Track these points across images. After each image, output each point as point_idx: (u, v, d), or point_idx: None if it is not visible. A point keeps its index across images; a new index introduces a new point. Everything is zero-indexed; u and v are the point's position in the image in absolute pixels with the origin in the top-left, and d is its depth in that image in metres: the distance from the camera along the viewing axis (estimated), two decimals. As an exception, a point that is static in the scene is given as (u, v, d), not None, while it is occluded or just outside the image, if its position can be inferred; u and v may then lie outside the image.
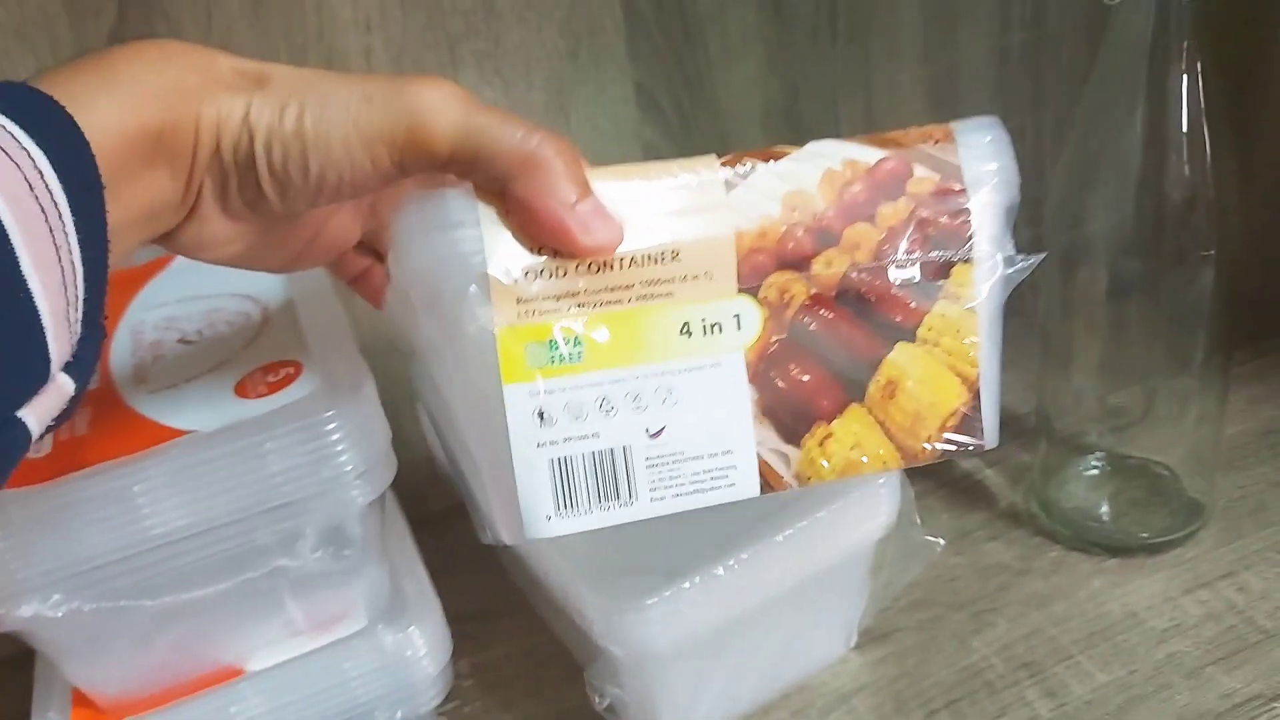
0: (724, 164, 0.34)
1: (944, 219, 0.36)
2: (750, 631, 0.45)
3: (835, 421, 0.36)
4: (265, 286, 0.47)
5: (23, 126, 0.26)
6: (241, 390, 0.41)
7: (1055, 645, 0.50)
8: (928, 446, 0.37)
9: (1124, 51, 0.49)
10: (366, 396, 0.40)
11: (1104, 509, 0.57)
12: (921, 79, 0.66)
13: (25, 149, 0.26)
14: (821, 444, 0.36)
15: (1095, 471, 0.58)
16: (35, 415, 0.26)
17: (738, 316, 0.35)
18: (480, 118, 0.31)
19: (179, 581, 0.39)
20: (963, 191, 0.35)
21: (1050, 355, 0.56)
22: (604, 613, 0.41)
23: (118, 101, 0.28)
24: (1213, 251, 0.52)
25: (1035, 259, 0.37)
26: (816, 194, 0.35)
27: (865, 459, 0.37)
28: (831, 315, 0.36)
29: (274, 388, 0.40)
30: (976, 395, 0.37)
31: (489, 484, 0.35)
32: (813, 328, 0.36)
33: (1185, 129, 0.50)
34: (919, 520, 0.46)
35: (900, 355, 0.36)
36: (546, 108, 0.58)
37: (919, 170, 0.35)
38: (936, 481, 0.60)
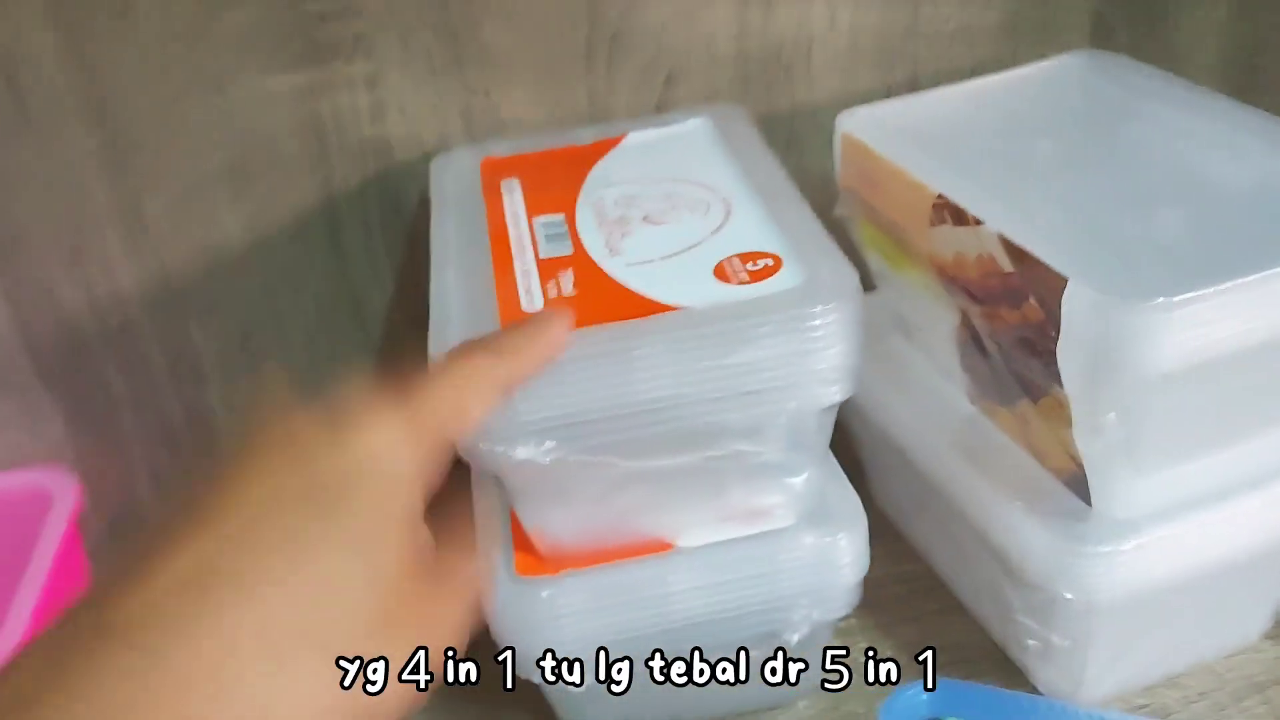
0: (934, 203, 0.42)
1: (1040, 348, 0.37)
2: (1194, 594, 0.43)
3: (1001, 408, 0.43)
4: (721, 178, 0.47)
5: None
6: (721, 274, 0.41)
7: None
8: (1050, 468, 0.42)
9: None
10: (852, 299, 0.40)
11: None
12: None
13: None
14: (992, 413, 0.45)
15: None
16: None
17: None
18: None
19: (651, 447, 0.40)
20: (1053, 339, 0.36)
21: None
22: (1056, 554, 0.40)
23: None
24: None
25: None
26: (972, 264, 0.40)
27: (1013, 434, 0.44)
28: (995, 345, 0.41)
29: (756, 276, 0.41)
30: (1081, 471, 0.39)
31: None
32: (983, 343, 0.42)
33: None
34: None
35: (1030, 408, 0.40)
36: (999, 31, 0.56)
37: (1033, 298, 0.37)
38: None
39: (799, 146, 0.58)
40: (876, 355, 0.51)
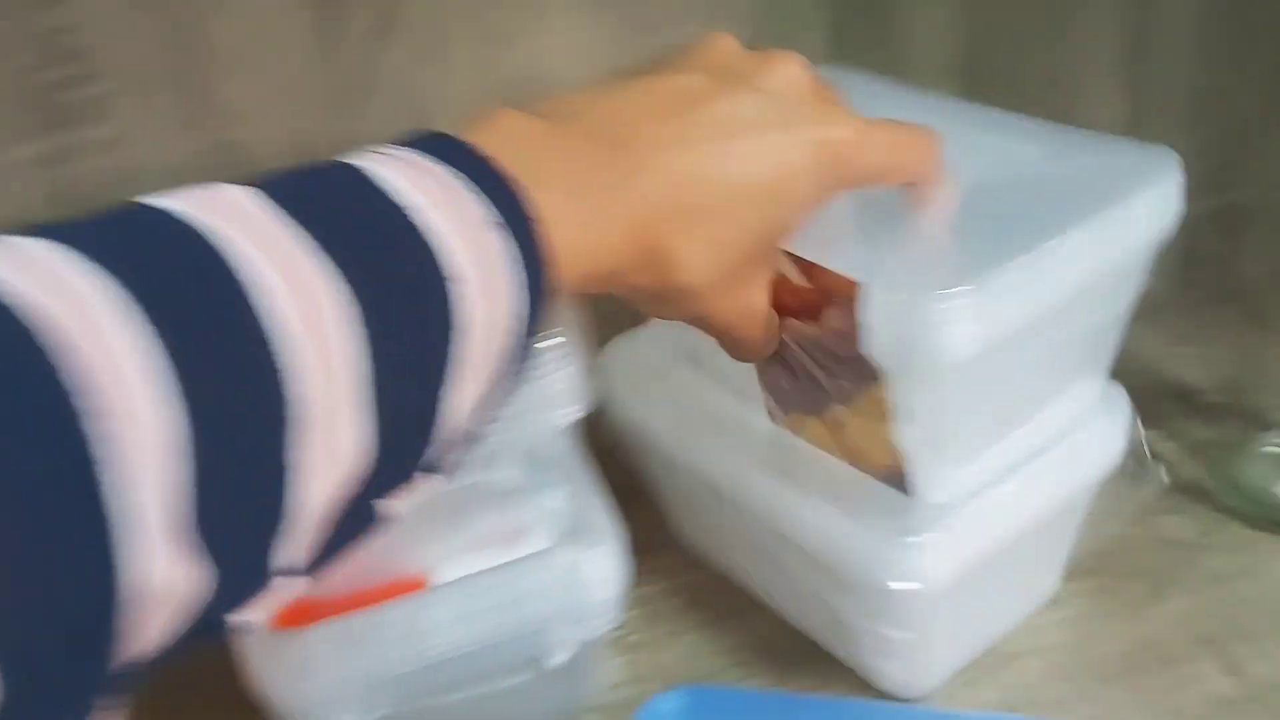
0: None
1: (846, 355, 0.38)
2: (1006, 565, 0.45)
3: (809, 419, 0.43)
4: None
5: (524, 263, 0.28)
6: (446, 308, 0.41)
7: (1237, 624, 0.49)
8: (872, 472, 0.42)
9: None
10: (570, 320, 0.41)
11: (1285, 490, 0.55)
12: (1117, 29, 0.63)
13: (516, 292, 0.28)
14: (800, 426, 0.44)
15: (1276, 450, 0.56)
16: (391, 506, 0.29)
17: None
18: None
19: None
20: (854, 345, 0.37)
21: (1249, 326, 0.54)
22: (880, 548, 0.42)
23: (597, 245, 0.31)
24: None
25: None
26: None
27: (824, 445, 0.44)
28: (800, 357, 0.41)
29: (478, 308, 0.41)
30: (901, 467, 0.40)
31: None
32: (788, 356, 0.41)
33: None
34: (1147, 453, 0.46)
35: (838, 412, 0.41)
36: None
37: (831, 310, 0.38)
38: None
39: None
40: (667, 390, 0.51)
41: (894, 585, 0.42)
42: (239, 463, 0.22)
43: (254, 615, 0.25)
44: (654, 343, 0.52)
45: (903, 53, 0.61)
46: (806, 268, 0.37)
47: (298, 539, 0.24)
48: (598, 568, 0.44)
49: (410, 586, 0.43)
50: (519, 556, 0.44)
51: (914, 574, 0.42)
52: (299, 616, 0.42)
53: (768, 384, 0.44)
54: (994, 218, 0.39)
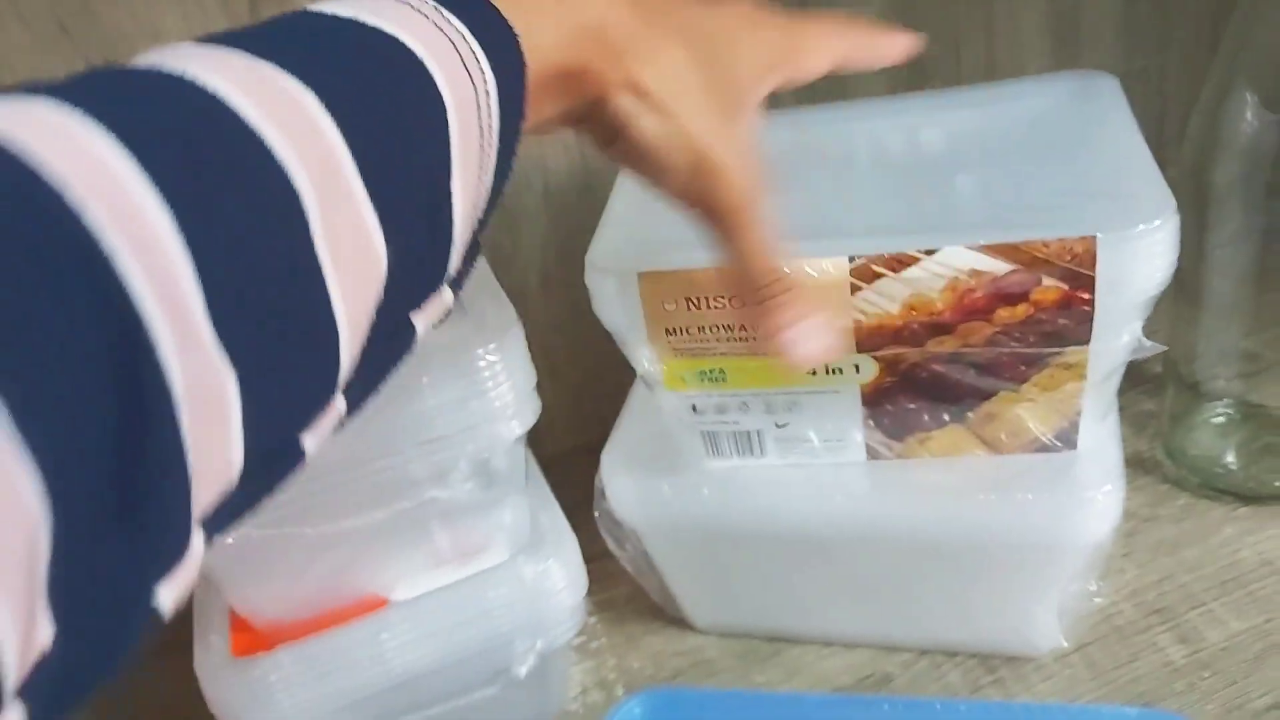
0: (852, 270, 0.38)
1: (1064, 321, 0.38)
2: None
3: (934, 431, 0.43)
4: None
5: (482, 46, 0.27)
6: (391, 327, 0.41)
7: (1188, 592, 0.50)
8: (1018, 450, 0.43)
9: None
10: (515, 335, 0.41)
11: (1232, 457, 0.56)
12: (1045, 17, 0.64)
13: (483, 71, 0.27)
14: (921, 443, 0.44)
15: (1224, 418, 0.57)
16: (424, 321, 0.28)
17: (857, 366, 0.42)
18: (749, 229, 0.33)
19: (339, 509, 0.40)
20: (1090, 301, 0.37)
21: (1182, 300, 0.55)
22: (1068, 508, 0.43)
23: (559, 33, 0.30)
24: (1359, 192, 0.50)
25: (1153, 349, 0.39)
26: (937, 298, 0.38)
27: (958, 451, 0.43)
28: (941, 370, 0.41)
29: (423, 324, 0.41)
30: (1075, 425, 0.41)
31: None
32: (923, 376, 0.41)
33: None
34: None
35: (1004, 400, 0.41)
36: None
37: (1047, 280, 0.37)
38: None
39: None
40: (698, 473, 0.47)
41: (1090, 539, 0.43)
42: (262, 264, 0.21)
43: (311, 442, 0.24)
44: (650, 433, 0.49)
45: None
46: (1007, 250, 0.37)
47: (338, 348, 0.24)
48: (556, 577, 0.44)
49: (370, 607, 0.43)
50: (478, 571, 0.44)
51: (1102, 525, 0.43)
52: (258, 642, 0.42)
53: (876, 419, 0.43)
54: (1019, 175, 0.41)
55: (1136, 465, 0.57)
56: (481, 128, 0.27)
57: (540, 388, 0.44)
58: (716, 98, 0.33)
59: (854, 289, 0.38)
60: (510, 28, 0.28)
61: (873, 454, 0.44)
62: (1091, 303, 0.37)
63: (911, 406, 0.42)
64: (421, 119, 0.25)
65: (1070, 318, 0.38)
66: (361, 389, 0.26)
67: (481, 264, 0.45)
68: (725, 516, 0.47)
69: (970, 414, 0.42)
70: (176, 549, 0.20)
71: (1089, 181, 0.40)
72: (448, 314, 0.29)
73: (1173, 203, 0.38)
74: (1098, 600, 0.47)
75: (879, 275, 0.38)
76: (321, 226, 0.22)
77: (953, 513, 0.44)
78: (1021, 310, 0.38)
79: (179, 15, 0.50)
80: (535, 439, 0.52)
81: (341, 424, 0.26)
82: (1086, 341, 0.38)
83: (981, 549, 0.44)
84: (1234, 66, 0.50)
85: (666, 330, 0.41)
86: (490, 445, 0.41)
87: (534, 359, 0.52)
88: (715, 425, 0.45)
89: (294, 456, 0.24)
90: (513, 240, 0.60)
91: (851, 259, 0.38)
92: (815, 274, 0.38)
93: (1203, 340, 0.56)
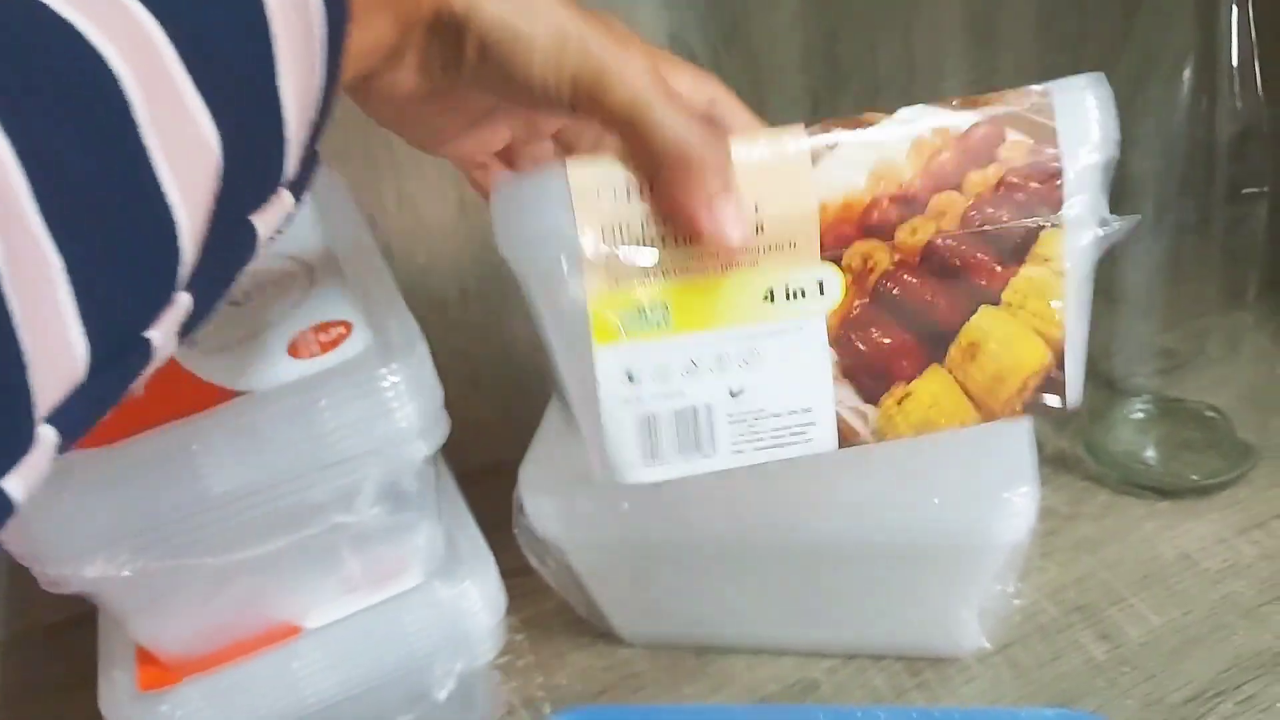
0: (810, 133, 0.34)
1: (1035, 184, 0.35)
2: None
3: (915, 382, 0.37)
4: (308, 246, 0.47)
5: None
6: (294, 350, 0.40)
7: (1108, 589, 0.50)
8: (1008, 405, 0.37)
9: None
10: (420, 353, 0.40)
11: (1152, 452, 0.57)
12: (962, 16, 0.65)
13: None
14: (900, 403, 0.37)
15: (1143, 414, 0.58)
16: (265, 224, 0.27)
17: (820, 282, 0.36)
18: (656, 100, 0.32)
19: (240, 539, 0.39)
20: (1056, 155, 0.35)
21: (1097, 296, 0.55)
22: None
23: None
24: (1265, 188, 0.51)
25: (1129, 221, 0.36)
26: (905, 164, 0.35)
27: (943, 417, 0.37)
28: (915, 281, 0.36)
29: (326, 346, 0.40)
30: (1061, 357, 0.37)
31: (585, 432, 0.37)
32: (895, 292, 0.36)
33: (1236, 62, 0.49)
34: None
35: (983, 318, 0.36)
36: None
37: (1012, 135, 0.35)
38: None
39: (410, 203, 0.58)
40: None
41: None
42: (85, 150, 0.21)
43: (157, 336, 0.24)
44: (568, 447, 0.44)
45: (750, 55, 0.61)
46: (967, 103, 0.35)
47: (175, 237, 0.23)
48: (474, 597, 0.44)
49: (281, 635, 0.42)
50: (392, 595, 0.43)
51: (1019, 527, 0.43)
52: (165, 676, 0.41)
53: (848, 370, 0.37)
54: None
55: (1058, 463, 0.57)
56: (306, 23, 0.26)
57: (463, 400, 0.44)
58: None
59: (814, 158, 0.34)
60: None
61: (846, 436, 0.37)
62: (1057, 156, 0.35)
63: (886, 341, 0.37)
64: (240, 9, 0.25)
65: (1039, 177, 0.35)
66: (206, 289, 0.26)
67: (385, 282, 0.44)
68: (645, 530, 0.46)
69: (951, 346, 0.37)
70: (20, 438, 0.21)
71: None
72: (288, 222, 0.29)
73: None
74: (1017, 601, 0.47)
75: (839, 144, 0.34)
76: (147, 112, 0.22)
77: (870, 518, 0.44)
78: (994, 172, 0.35)
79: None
80: (456, 453, 0.51)
81: (189, 325, 0.26)
82: (1058, 207, 0.35)
83: (899, 553, 0.44)
84: (1145, 62, 0.51)
85: (602, 230, 0.34)
86: (397, 467, 0.40)
87: (455, 371, 0.52)
88: (656, 401, 0.36)
89: (142, 352, 0.24)
90: (429, 252, 0.59)
91: (808, 125, 0.34)
92: (768, 152, 0.34)
93: (1119, 336, 0.56)
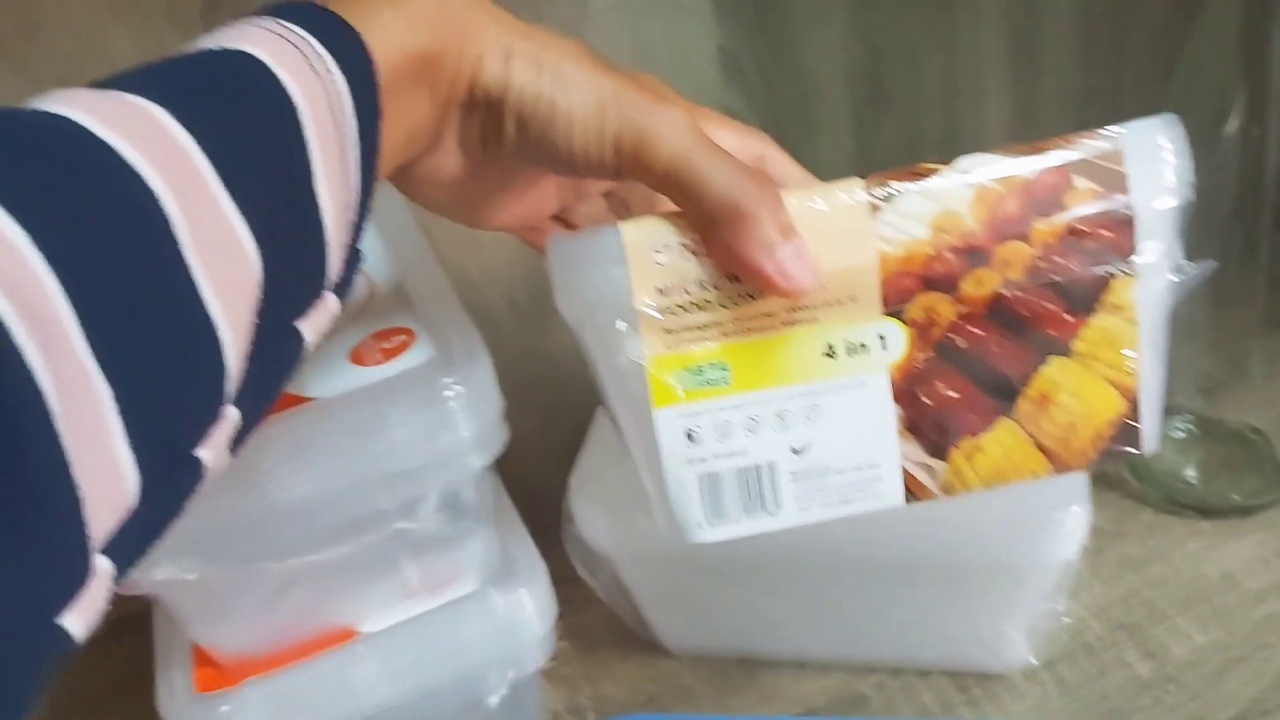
0: (868, 187, 0.34)
1: (1105, 231, 0.34)
2: None
3: (984, 436, 0.36)
4: (366, 255, 0.47)
5: (326, 47, 0.27)
6: (357, 358, 0.41)
7: (1152, 607, 0.50)
8: (1082, 456, 0.37)
9: (1221, 6, 0.49)
10: (482, 364, 0.41)
11: (1193, 472, 0.57)
12: (1004, 38, 0.65)
13: (330, 70, 0.27)
14: (970, 458, 0.36)
15: (1184, 434, 0.58)
16: (311, 329, 0.28)
17: (882, 337, 0.35)
18: (701, 155, 0.31)
19: (304, 545, 0.39)
20: (1128, 202, 0.34)
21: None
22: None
23: (400, 22, 0.29)
24: (1312, 213, 0.51)
25: (1205, 267, 0.35)
26: (967, 214, 0.34)
27: (1014, 470, 0.37)
28: (981, 333, 0.36)
29: (389, 354, 0.41)
30: (1135, 406, 0.36)
31: (650, 490, 0.37)
32: (961, 345, 0.35)
33: (1286, 87, 0.49)
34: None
35: (1053, 369, 0.36)
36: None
37: (1079, 182, 0.34)
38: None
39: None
40: None
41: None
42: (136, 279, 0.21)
43: (208, 455, 0.24)
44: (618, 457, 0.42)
45: (797, 71, 0.62)
46: (1029, 150, 0.34)
47: (220, 354, 0.23)
48: (527, 606, 0.44)
49: (339, 639, 0.43)
50: (448, 601, 0.43)
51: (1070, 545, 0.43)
52: (223, 678, 0.42)
53: (913, 424, 0.36)
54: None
55: (1102, 482, 0.57)
56: (338, 126, 0.27)
57: (510, 412, 0.44)
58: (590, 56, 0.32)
59: (873, 209, 0.34)
60: (350, 26, 0.28)
61: (913, 491, 0.37)
62: (1129, 204, 0.34)
63: (952, 395, 0.36)
64: (275, 120, 0.25)
65: (1109, 224, 0.34)
66: (255, 400, 0.26)
67: (446, 293, 0.44)
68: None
69: (1021, 398, 0.36)
70: (77, 572, 0.20)
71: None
72: (334, 322, 0.29)
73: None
74: (1066, 619, 0.47)
75: (898, 195, 0.34)
76: (187, 230, 0.22)
77: (922, 537, 0.44)
78: (1061, 221, 0.34)
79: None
80: (505, 463, 0.52)
81: (239, 438, 0.26)
82: (1130, 255, 0.34)
83: (949, 571, 0.45)
84: (1191, 89, 0.51)
85: (658, 290, 0.34)
86: (458, 477, 0.41)
87: (503, 384, 0.52)
88: (718, 461, 0.35)
89: (192, 472, 0.24)
90: (480, 265, 0.60)
91: (866, 179, 0.34)
92: (825, 205, 0.33)
93: (1170, 354, 0.56)
